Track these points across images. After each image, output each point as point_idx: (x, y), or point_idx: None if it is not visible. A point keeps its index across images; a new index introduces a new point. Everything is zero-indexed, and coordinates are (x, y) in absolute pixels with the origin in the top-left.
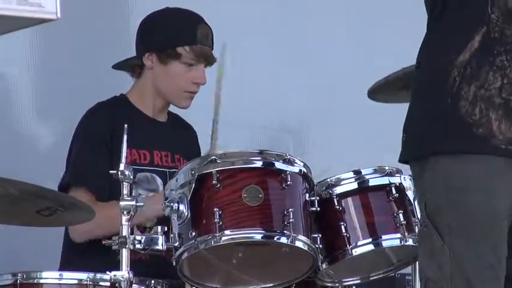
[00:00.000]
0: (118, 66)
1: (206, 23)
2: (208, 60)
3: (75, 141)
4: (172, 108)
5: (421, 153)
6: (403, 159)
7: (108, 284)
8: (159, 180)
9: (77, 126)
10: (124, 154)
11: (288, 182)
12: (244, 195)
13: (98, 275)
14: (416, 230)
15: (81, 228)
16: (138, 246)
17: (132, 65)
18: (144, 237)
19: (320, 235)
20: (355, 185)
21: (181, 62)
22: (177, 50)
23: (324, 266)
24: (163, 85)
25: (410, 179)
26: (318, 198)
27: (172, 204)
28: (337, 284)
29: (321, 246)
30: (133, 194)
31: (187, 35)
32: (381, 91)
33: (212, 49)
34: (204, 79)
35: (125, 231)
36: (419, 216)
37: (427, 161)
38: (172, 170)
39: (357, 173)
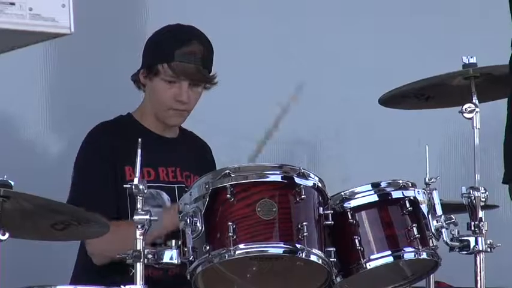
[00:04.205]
0: (133, 77)
1: (199, 41)
2: (190, 77)
3: (77, 161)
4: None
5: None
6: (504, 180)
7: None
8: (165, 196)
9: (80, 146)
10: (138, 169)
11: (302, 196)
12: (258, 209)
13: None
14: (431, 244)
15: (100, 251)
16: (152, 260)
17: (137, 79)
18: (158, 251)
19: (334, 249)
20: (369, 199)
21: (161, 79)
22: (157, 66)
23: (338, 279)
24: (152, 101)
25: (424, 193)
26: (332, 211)
27: (186, 218)
28: None
29: (335, 260)
30: None
31: (165, 52)
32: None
33: (203, 67)
34: (184, 96)
35: (139, 245)
36: (433, 230)
37: None
38: (180, 185)
39: (371, 186)
